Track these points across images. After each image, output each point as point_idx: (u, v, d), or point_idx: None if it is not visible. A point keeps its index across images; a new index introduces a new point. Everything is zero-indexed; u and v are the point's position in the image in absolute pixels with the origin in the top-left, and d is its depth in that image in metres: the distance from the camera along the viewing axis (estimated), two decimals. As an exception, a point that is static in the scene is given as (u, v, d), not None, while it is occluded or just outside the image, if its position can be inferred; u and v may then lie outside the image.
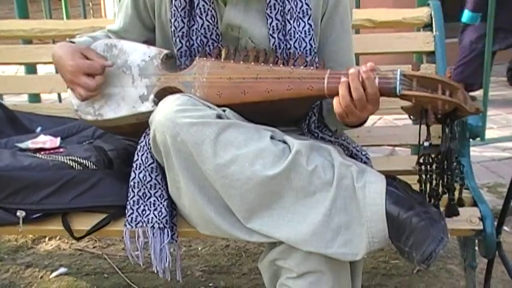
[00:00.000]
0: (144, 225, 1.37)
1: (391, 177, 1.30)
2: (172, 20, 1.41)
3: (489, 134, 2.98)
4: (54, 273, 2.01)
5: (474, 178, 1.62)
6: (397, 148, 2.60)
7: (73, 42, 1.47)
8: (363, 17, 1.85)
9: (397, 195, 1.24)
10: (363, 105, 1.22)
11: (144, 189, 1.38)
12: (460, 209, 1.33)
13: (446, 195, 1.31)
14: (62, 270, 2.03)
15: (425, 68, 1.80)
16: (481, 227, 1.42)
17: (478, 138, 1.75)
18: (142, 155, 1.38)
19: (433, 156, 1.28)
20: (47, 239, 2.25)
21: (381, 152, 2.51)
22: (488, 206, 1.47)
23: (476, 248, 1.57)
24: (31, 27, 1.97)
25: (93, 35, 1.54)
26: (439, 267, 1.95)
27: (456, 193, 1.32)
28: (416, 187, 1.32)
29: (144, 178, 1.38)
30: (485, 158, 2.88)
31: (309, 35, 1.38)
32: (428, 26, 1.84)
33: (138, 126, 1.41)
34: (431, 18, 1.82)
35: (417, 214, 1.21)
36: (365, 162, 1.44)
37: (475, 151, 2.85)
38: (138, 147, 1.39)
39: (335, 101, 1.25)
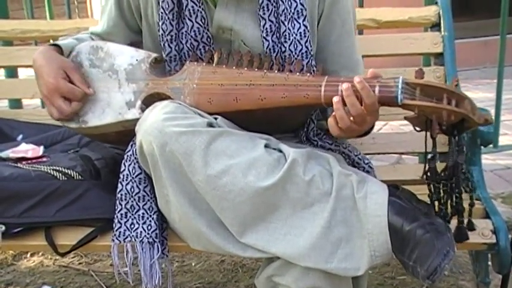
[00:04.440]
0: (133, 239, 1.38)
1: (394, 187, 1.31)
2: (160, 23, 1.42)
3: (503, 140, 2.98)
4: (37, 292, 2.01)
5: (486, 188, 1.62)
6: (403, 156, 2.61)
7: (57, 45, 1.48)
8: (367, 17, 1.86)
9: (400, 206, 1.25)
10: (363, 120, 1.22)
11: (132, 201, 1.38)
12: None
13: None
14: (45, 288, 2.03)
15: (433, 71, 1.80)
16: (494, 241, 1.42)
17: (491, 145, 1.76)
18: (130, 165, 1.38)
19: (439, 172, 1.27)
20: (28, 254, 2.24)
21: (387, 160, 2.52)
22: (502, 217, 1.47)
23: (490, 263, 1.58)
24: (11, 28, 1.98)
25: (78, 37, 1.55)
26: (450, 284, 1.95)
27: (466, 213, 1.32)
28: (423, 197, 1.32)
29: (132, 190, 1.38)
30: (499, 166, 2.89)
31: (305, 37, 1.39)
32: (436, 26, 1.85)
33: (125, 134, 1.41)
34: (440, 17, 1.83)
35: (422, 226, 1.21)
36: (367, 171, 1.45)
37: (488, 159, 2.86)
38: (125, 156, 1.40)
39: (331, 123, 1.25)
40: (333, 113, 1.24)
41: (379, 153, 1.87)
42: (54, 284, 2.05)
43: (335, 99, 1.21)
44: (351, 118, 1.22)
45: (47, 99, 1.43)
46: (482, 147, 1.67)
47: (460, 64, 1.83)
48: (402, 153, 2.29)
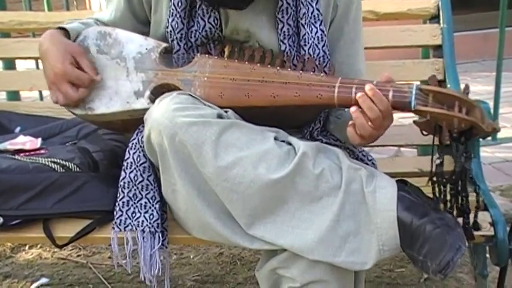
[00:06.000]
0: (134, 228, 1.37)
1: (402, 182, 1.31)
2: (170, 20, 1.39)
3: (501, 133, 2.97)
4: (35, 284, 2.01)
5: (484, 180, 1.62)
6: (402, 149, 2.61)
7: (63, 29, 1.45)
8: (365, 9, 1.84)
9: (410, 201, 1.24)
10: (380, 123, 1.22)
11: (135, 190, 1.38)
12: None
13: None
14: (44, 280, 2.03)
15: (432, 63, 1.80)
16: (492, 233, 1.42)
17: (489, 138, 1.75)
18: (134, 153, 1.37)
19: (446, 177, 1.28)
20: (27, 247, 2.24)
21: (385, 153, 2.51)
22: (500, 210, 1.47)
23: (488, 255, 1.58)
24: (9, 19, 1.96)
25: (84, 21, 1.52)
26: (448, 276, 1.95)
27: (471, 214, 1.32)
28: (425, 190, 1.32)
29: (135, 178, 1.37)
30: (498, 159, 2.89)
31: (322, 41, 1.38)
32: (435, 18, 1.84)
33: (131, 122, 1.40)
34: (439, 9, 1.82)
35: (432, 221, 1.21)
36: (371, 167, 1.44)
37: (487, 151, 2.85)
38: (130, 144, 1.38)
39: (350, 132, 1.25)
40: (351, 122, 1.24)
41: (377, 146, 1.86)
42: (52, 277, 2.05)
43: (352, 109, 1.22)
44: (370, 123, 1.22)
45: (53, 85, 1.40)
46: (480, 140, 1.66)
47: (459, 57, 1.83)
48: (401, 146, 2.29)
